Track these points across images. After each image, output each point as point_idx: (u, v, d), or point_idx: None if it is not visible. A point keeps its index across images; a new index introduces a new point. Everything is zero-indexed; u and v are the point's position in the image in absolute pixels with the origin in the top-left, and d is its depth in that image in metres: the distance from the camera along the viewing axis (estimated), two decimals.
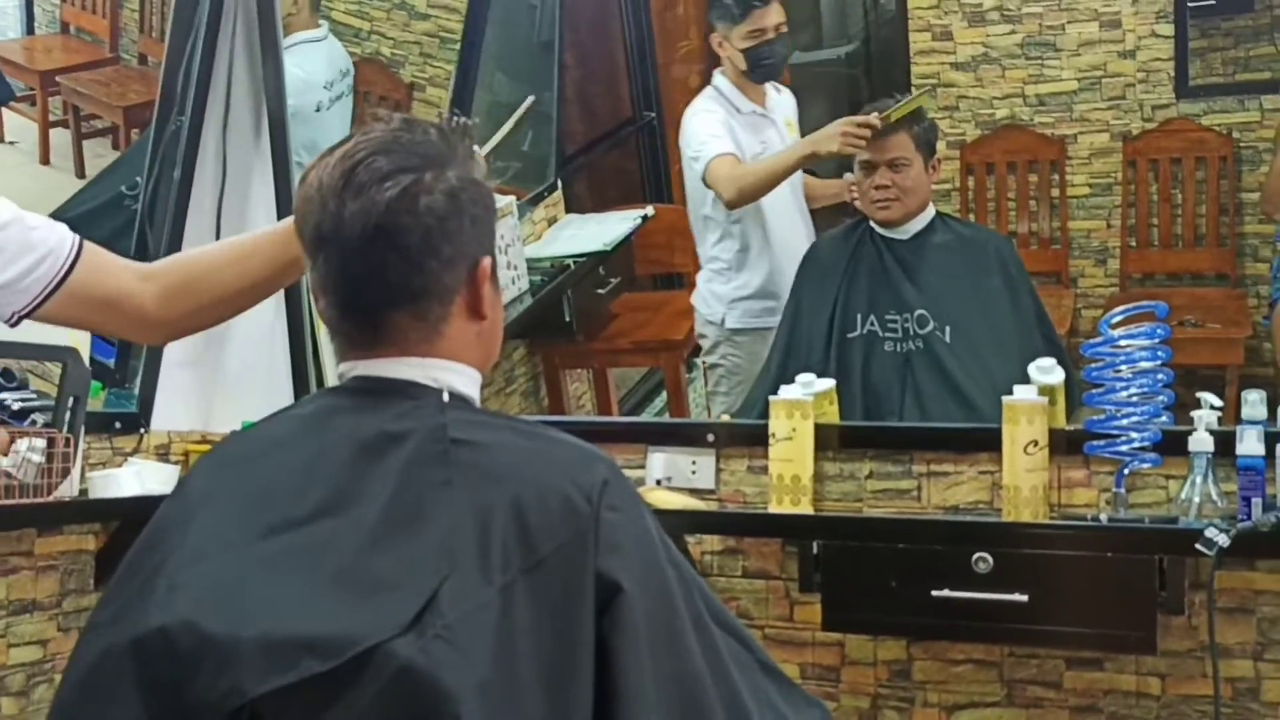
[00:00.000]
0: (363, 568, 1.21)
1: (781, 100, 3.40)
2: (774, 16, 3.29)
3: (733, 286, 3.34)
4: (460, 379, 1.34)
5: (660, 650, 1.24)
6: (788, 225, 3.27)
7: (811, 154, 3.05)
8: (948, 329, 2.85)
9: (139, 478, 2.42)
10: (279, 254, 1.70)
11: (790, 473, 2.36)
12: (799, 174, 3.36)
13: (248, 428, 1.41)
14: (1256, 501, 2.06)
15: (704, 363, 3.45)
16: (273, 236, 1.72)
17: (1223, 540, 1.94)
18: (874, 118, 2.92)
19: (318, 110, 3.26)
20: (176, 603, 1.22)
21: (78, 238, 1.63)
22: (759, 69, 3.30)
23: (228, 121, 2.69)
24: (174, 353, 2.76)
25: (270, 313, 2.77)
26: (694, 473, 2.52)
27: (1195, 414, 2.14)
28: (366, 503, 1.24)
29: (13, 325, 1.63)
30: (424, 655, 1.14)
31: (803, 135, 3.47)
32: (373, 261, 1.29)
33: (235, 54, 2.68)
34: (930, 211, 2.99)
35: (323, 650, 1.15)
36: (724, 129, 3.21)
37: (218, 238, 2.76)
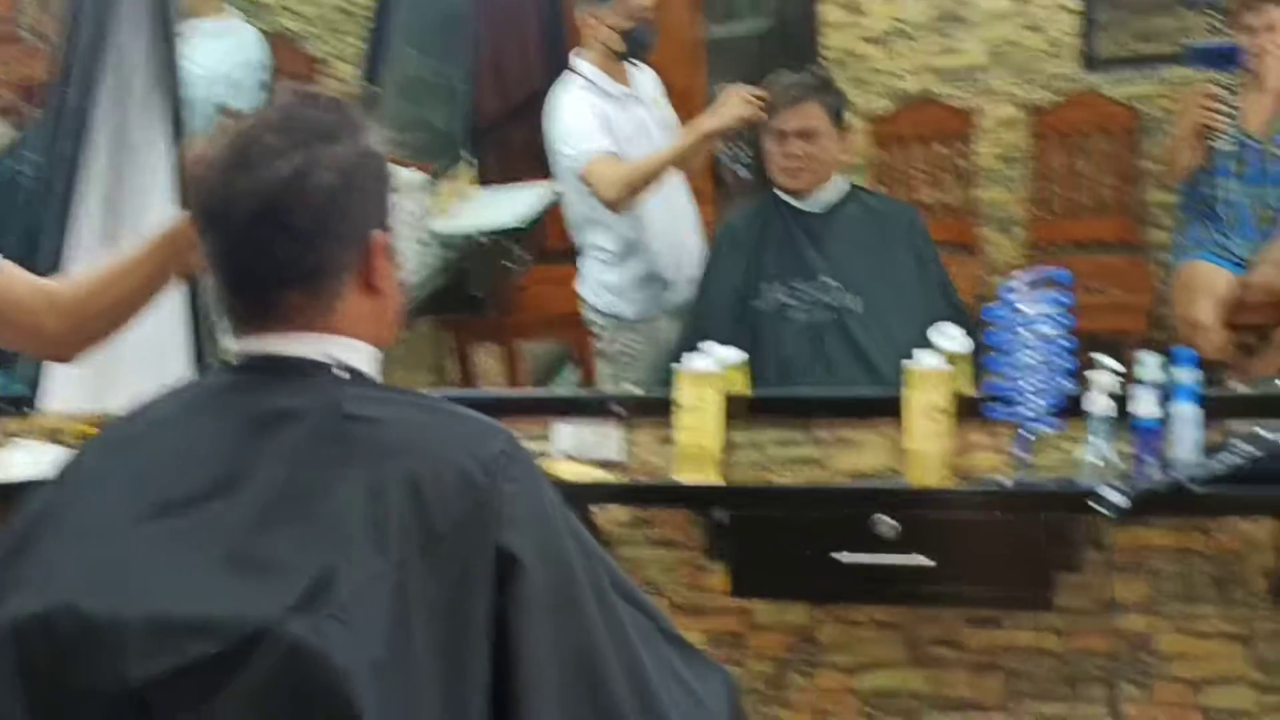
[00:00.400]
0: (253, 547, 1.19)
1: (643, 77, 3.33)
2: None
3: (620, 275, 3.29)
4: (356, 355, 1.33)
5: (560, 623, 1.23)
6: (671, 206, 3.21)
7: (706, 134, 3.00)
8: (857, 299, 2.87)
9: (28, 459, 2.36)
10: (147, 270, 1.76)
11: (697, 442, 2.37)
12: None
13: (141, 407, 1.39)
14: (1151, 461, 2.10)
15: (602, 350, 3.38)
16: (140, 254, 1.76)
17: (1118, 499, 1.98)
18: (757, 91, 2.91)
19: (223, 102, 3.17)
20: (57, 586, 1.19)
21: None
22: (635, 47, 3.22)
23: (119, 92, 2.63)
24: None
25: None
26: (601, 444, 2.52)
27: (1092, 376, 2.18)
28: (259, 481, 1.22)
29: None
30: (316, 634, 1.13)
31: (699, 104, 3.44)
32: (263, 241, 1.26)
33: (128, 29, 2.61)
34: (840, 183, 3.00)
35: (210, 632, 1.14)
36: (598, 121, 3.12)
37: (110, 215, 2.71)
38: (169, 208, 2.67)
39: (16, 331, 1.74)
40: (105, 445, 1.34)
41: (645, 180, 3.04)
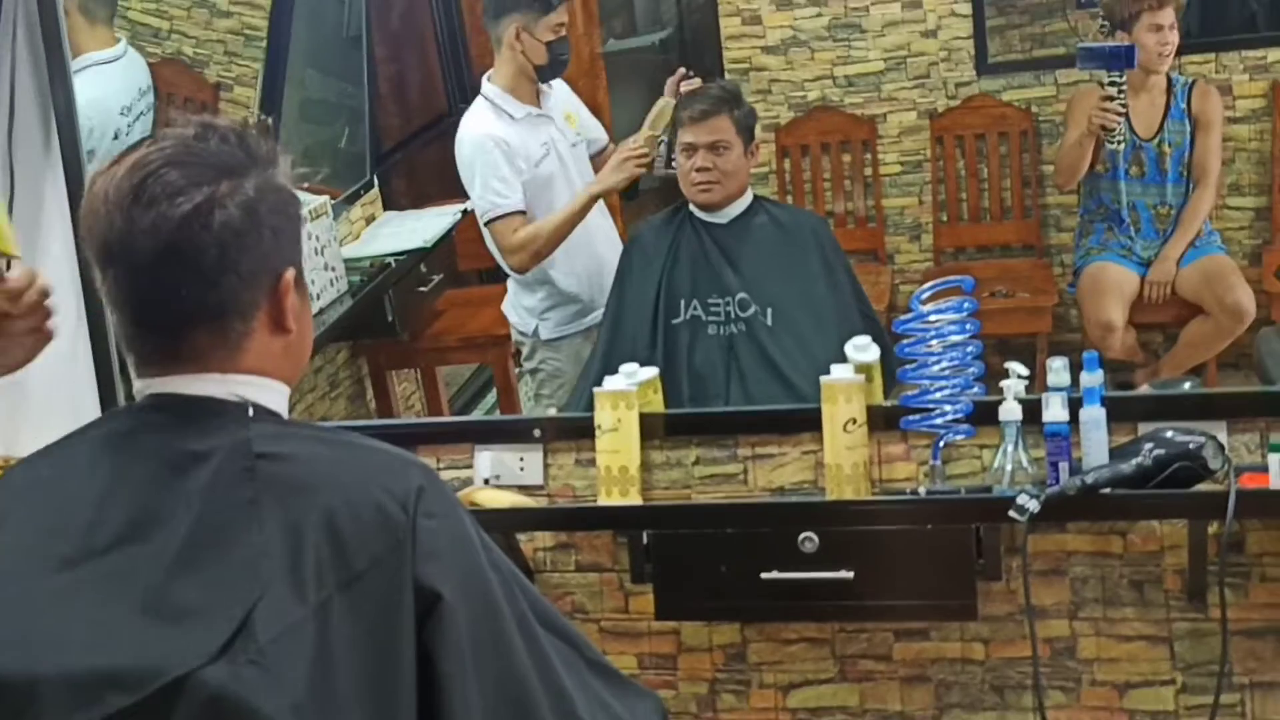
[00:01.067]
0: (168, 594, 1.17)
1: (556, 95, 3.35)
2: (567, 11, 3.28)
3: (538, 299, 3.33)
4: (265, 394, 1.30)
5: (484, 656, 1.22)
6: (585, 227, 3.22)
7: (600, 194, 3.15)
8: (769, 311, 2.89)
9: None
10: None
11: (618, 464, 2.36)
12: (586, 170, 3.34)
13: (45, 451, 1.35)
14: (1064, 466, 2.13)
15: (524, 368, 3.43)
16: None
17: (1033, 506, 2.00)
18: (644, 135, 3.08)
19: (116, 138, 3.11)
20: None
21: None
22: (556, 64, 3.25)
23: (12, 128, 2.55)
24: None
25: (72, 328, 2.65)
26: (522, 469, 2.51)
27: (1004, 384, 2.20)
28: (170, 526, 1.20)
29: None
30: (236, 681, 1.11)
31: (603, 118, 3.49)
32: (166, 281, 1.24)
33: (18, 58, 2.54)
34: (749, 195, 3.03)
35: (127, 683, 1.11)
36: (507, 166, 3.15)
37: None
38: (67, 240, 2.60)
39: None
40: (8, 490, 1.31)
41: (549, 244, 3.14)
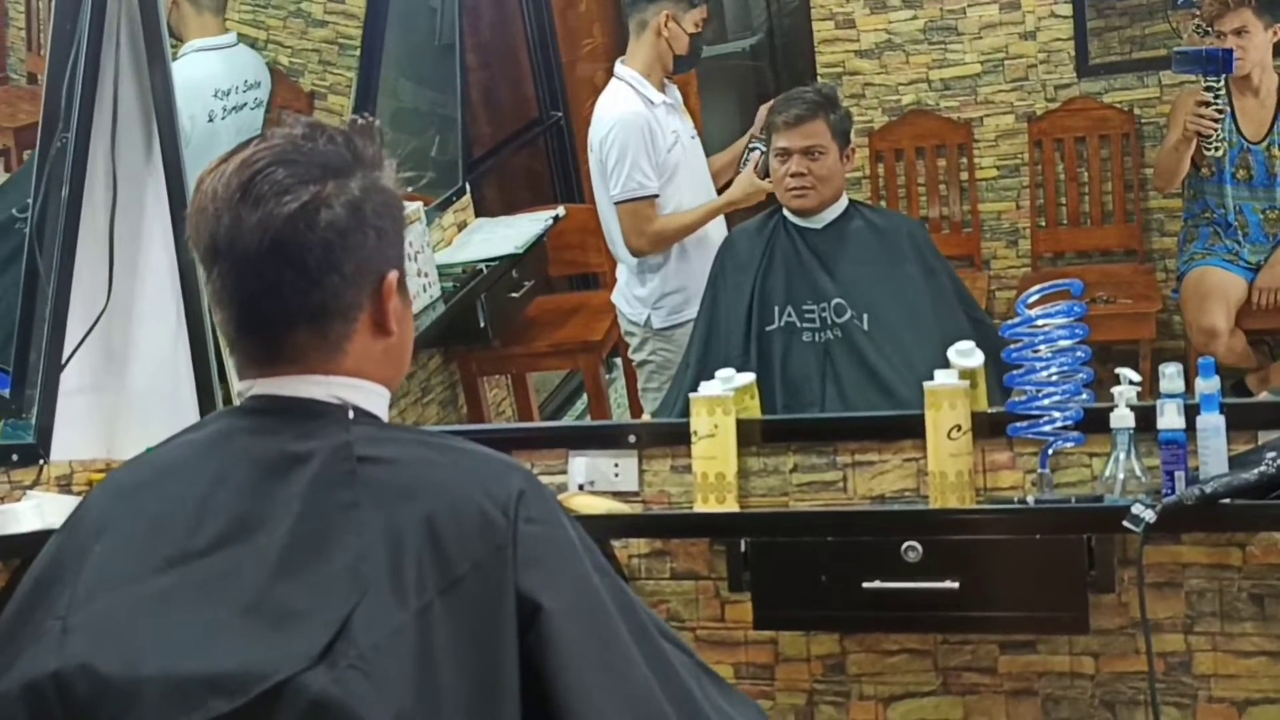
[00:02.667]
0: (269, 598, 1.15)
1: (672, 89, 3.38)
2: None
3: (650, 288, 3.32)
4: (365, 396, 1.29)
5: (601, 664, 1.19)
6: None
7: (728, 205, 3.18)
8: (865, 317, 2.84)
9: (39, 511, 2.32)
10: None
11: (714, 470, 2.33)
12: (702, 165, 3.35)
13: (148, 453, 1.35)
14: (1179, 475, 2.06)
15: (633, 360, 3.41)
16: None
17: (1149, 516, 1.94)
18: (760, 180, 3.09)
19: (210, 120, 3.15)
20: (71, 645, 1.16)
21: None
22: (694, 56, 3.31)
23: (116, 136, 2.60)
24: (72, 379, 2.67)
25: (172, 332, 2.69)
26: (617, 475, 2.49)
27: (1115, 390, 2.15)
28: (270, 528, 1.19)
29: None
30: (338, 686, 1.09)
31: (698, 126, 3.48)
32: (270, 278, 1.23)
33: (121, 66, 2.59)
34: (844, 200, 2.98)
35: (229, 688, 1.10)
36: (646, 150, 3.19)
37: (110, 259, 2.67)
38: (168, 243, 2.64)
39: None
40: (112, 493, 1.31)
41: (676, 238, 3.18)
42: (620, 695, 1.19)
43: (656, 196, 3.18)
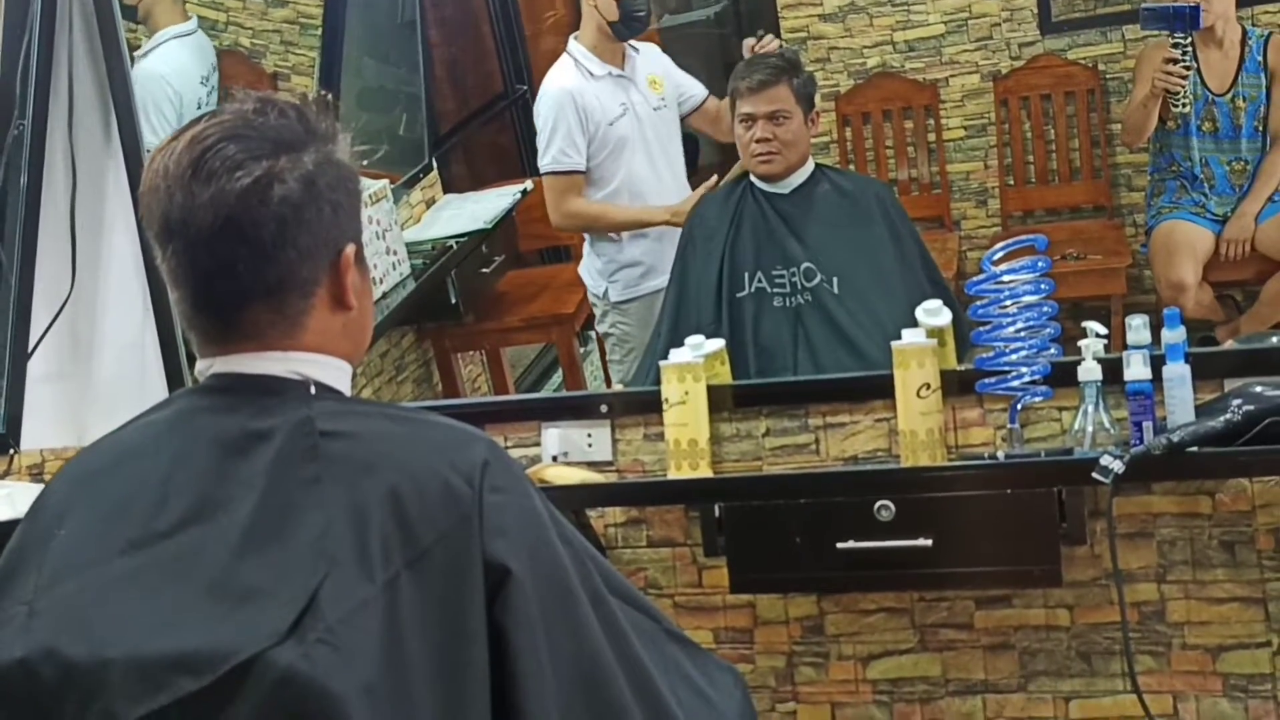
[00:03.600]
0: (234, 576, 1.15)
1: (642, 58, 3.37)
2: None
3: (605, 261, 3.34)
4: (326, 372, 1.29)
5: (556, 631, 1.20)
6: (654, 192, 3.27)
7: (663, 223, 3.20)
8: (835, 280, 2.84)
9: (10, 500, 2.31)
10: None
11: (686, 437, 2.33)
12: (666, 135, 3.35)
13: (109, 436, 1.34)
14: (1147, 425, 2.07)
15: (597, 332, 3.45)
16: None
17: (1118, 467, 1.94)
18: (711, 182, 3.13)
19: (199, 108, 3.13)
20: (36, 630, 1.16)
21: None
22: (631, 21, 3.28)
23: (73, 123, 2.57)
24: (39, 367, 2.66)
25: (138, 318, 2.68)
26: (590, 446, 2.48)
27: (1082, 343, 2.15)
28: (234, 507, 1.19)
29: None
30: (306, 661, 1.09)
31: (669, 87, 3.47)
32: (224, 256, 1.22)
33: (75, 52, 2.56)
34: (810, 164, 2.98)
35: (196, 666, 1.10)
36: (577, 127, 3.22)
37: (73, 245, 2.65)
38: (130, 229, 2.62)
39: None
40: (74, 478, 1.30)
41: (594, 226, 3.26)
42: (571, 663, 1.19)
43: (580, 173, 3.23)
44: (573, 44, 3.32)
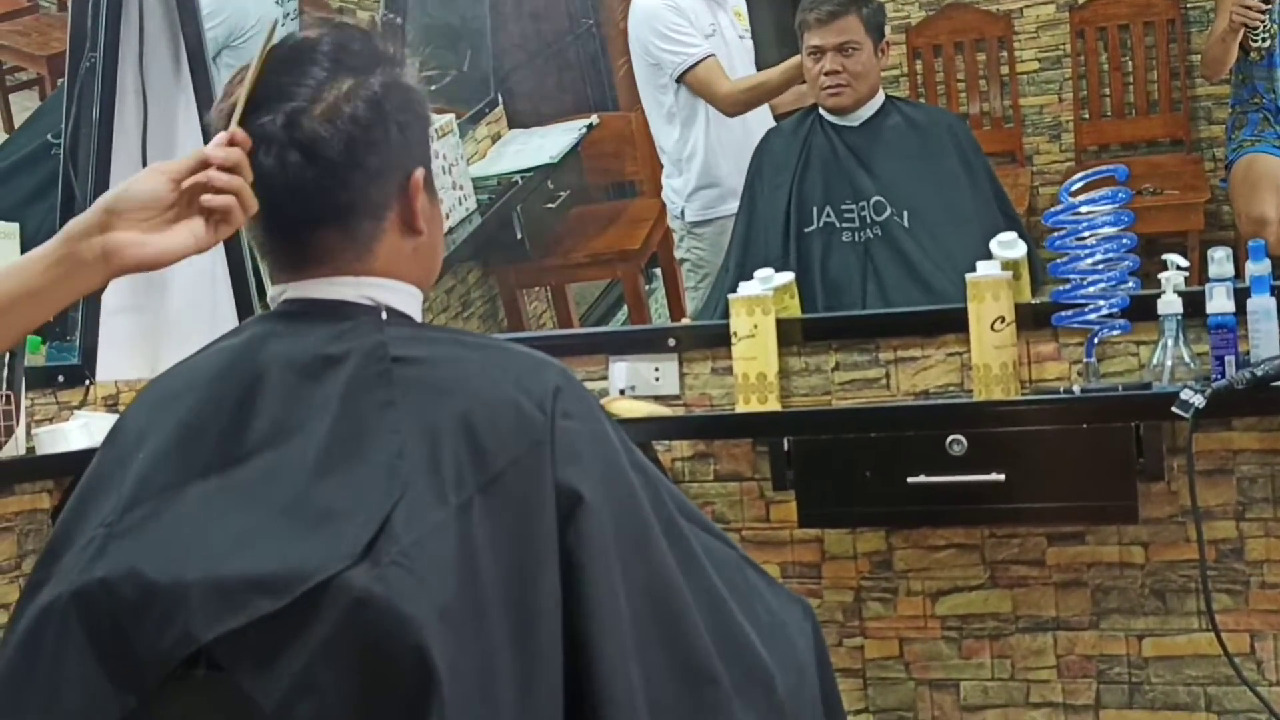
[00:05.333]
0: (309, 499, 1.16)
1: None
2: None
3: (684, 180, 3.28)
4: (397, 297, 1.28)
5: (628, 557, 1.19)
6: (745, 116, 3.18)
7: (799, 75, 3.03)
8: (905, 214, 2.80)
9: (87, 430, 2.35)
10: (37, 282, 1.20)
11: (755, 371, 2.31)
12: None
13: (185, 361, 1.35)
14: (1229, 360, 2.02)
15: (677, 257, 3.38)
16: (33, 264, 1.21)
17: (1198, 401, 1.90)
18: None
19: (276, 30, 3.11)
20: (116, 551, 1.17)
21: None
22: None
23: (144, 55, 2.58)
24: (112, 300, 2.68)
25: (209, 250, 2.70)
26: (658, 379, 2.47)
27: (1163, 276, 2.10)
28: (308, 431, 1.19)
29: None
30: (381, 584, 1.09)
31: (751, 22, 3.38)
32: (292, 177, 1.22)
33: None
34: (880, 96, 2.93)
35: (273, 588, 1.10)
36: (684, 22, 3.13)
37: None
38: None
39: None
40: (151, 403, 1.31)
41: (762, 96, 3.11)
42: (643, 590, 1.18)
43: (713, 56, 3.12)
44: None
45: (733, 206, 3.15)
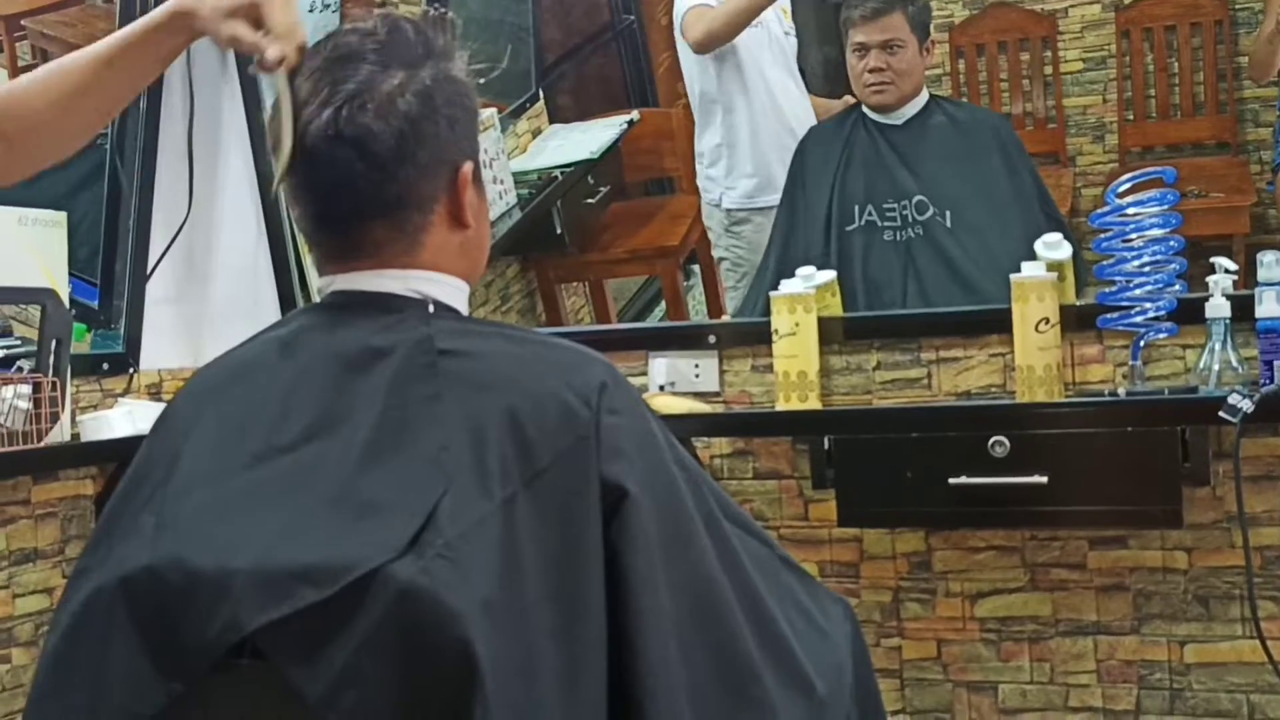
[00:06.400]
0: (354, 490, 1.16)
1: None
2: None
3: (723, 167, 3.22)
4: (444, 290, 1.29)
5: (671, 553, 1.19)
6: (776, 106, 3.14)
7: None
8: (948, 213, 2.78)
9: (130, 418, 2.36)
10: (149, 54, 1.41)
11: (796, 369, 2.30)
12: (789, 65, 3.24)
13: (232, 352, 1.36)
14: (1278, 364, 2.00)
15: (715, 256, 3.33)
16: (137, 36, 1.39)
17: (1247, 406, 1.88)
18: None
19: (311, 11, 3.11)
20: (163, 539, 1.18)
21: None
22: None
23: (190, 48, 2.59)
24: (157, 289, 2.70)
25: (252, 240, 2.71)
26: (697, 376, 2.47)
27: (1211, 279, 2.08)
28: (354, 422, 1.20)
29: None
30: (425, 576, 1.10)
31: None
32: (342, 170, 1.23)
33: None
34: (924, 95, 2.91)
35: (318, 578, 1.11)
36: None
37: (190, 169, 2.69)
38: (246, 152, 2.65)
39: None
40: (198, 393, 1.32)
41: (727, 22, 3.00)
42: (685, 586, 1.18)
43: (709, 5, 3.04)
44: None
45: (773, 198, 3.13)
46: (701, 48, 3.06)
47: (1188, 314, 2.13)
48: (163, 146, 2.69)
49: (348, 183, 1.23)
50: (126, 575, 1.17)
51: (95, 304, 2.69)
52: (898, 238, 2.81)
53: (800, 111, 3.25)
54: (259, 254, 2.70)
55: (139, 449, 1.30)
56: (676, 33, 3.17)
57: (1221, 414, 1.89)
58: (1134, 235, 2.16)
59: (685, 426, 2.28)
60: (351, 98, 1.22)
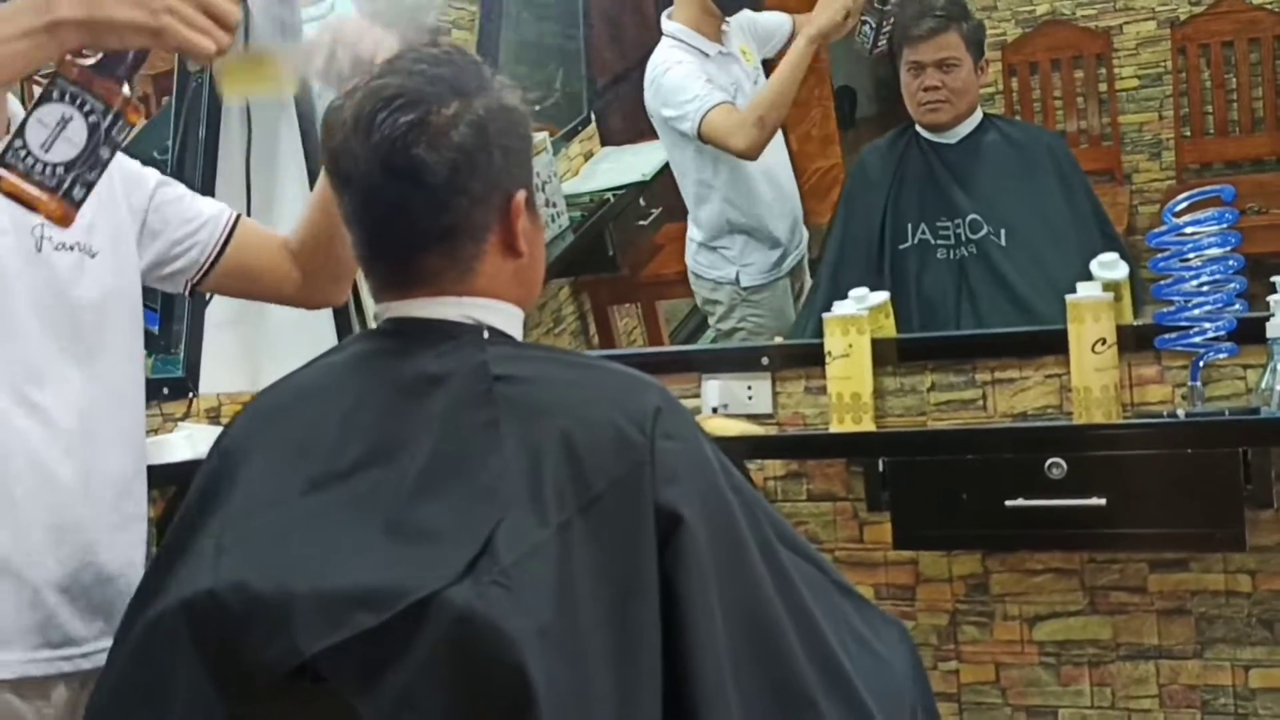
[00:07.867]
0: (412, 516, 1.17)
1: (733, 30, 3.11)
2: None
3: (738, 247, 3.14)
4: (499, 317, 1.30)
5: (726, 580, 1.19)
6: (773, 174, 3.08)
7: (816, 36, 2.83)
8: (1002, 232, 2.77)
9: (190, 442, 2.39)
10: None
11: (850, 390, 2.29)
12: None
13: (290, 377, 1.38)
14: None
15: (721, 330, 3.22)
16: None
17: None
18: None
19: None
20: (224, 564, 1.20)
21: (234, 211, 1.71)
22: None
23: None
24: (216, 314, 2.74)
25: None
26: (750, 398, 2.46)
27: (1272, 298, 2.05)
28: (411, 449, 1.21)
29: (188, 294, 1.80)
30: (482, 602, 1.10)
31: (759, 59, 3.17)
32: (398, 201, 1.24)
33: (251, 2, 2.62)
34: (979, 113, 2.90)
35: (375, 603, 1.12)
36: (704, 78, 2.95)
37: (248, 195, 2.72)
38: (302, 179, 2.68)
39: (269, 289, 1.77)
40: (257, 417, 1.34)
41: (773, 110, 2.88)
42: (740, 612, 1.18)
43: (730, 103, 2.92)
44: (669, 25, 3.03)
45: (790, 263, 3.10)
46: (756, 152, 2.94)
47: (1248, 333, 2.10)
48: (220, 174, 2.73)
49: (402, 213, 1.24)
50: (188, 599, 1.19)
51: (156, 329, 2.72)
52: (951, 256, 2.79)
53: (779, 157, 3.15)
54: None
55: (198, 472, 1.32)
56: (667, 125, 3.05)
57: None
58: (1192, 255, 2.14)
59: (739, 449, 2.27)
60: (406, 129, 1.23)
